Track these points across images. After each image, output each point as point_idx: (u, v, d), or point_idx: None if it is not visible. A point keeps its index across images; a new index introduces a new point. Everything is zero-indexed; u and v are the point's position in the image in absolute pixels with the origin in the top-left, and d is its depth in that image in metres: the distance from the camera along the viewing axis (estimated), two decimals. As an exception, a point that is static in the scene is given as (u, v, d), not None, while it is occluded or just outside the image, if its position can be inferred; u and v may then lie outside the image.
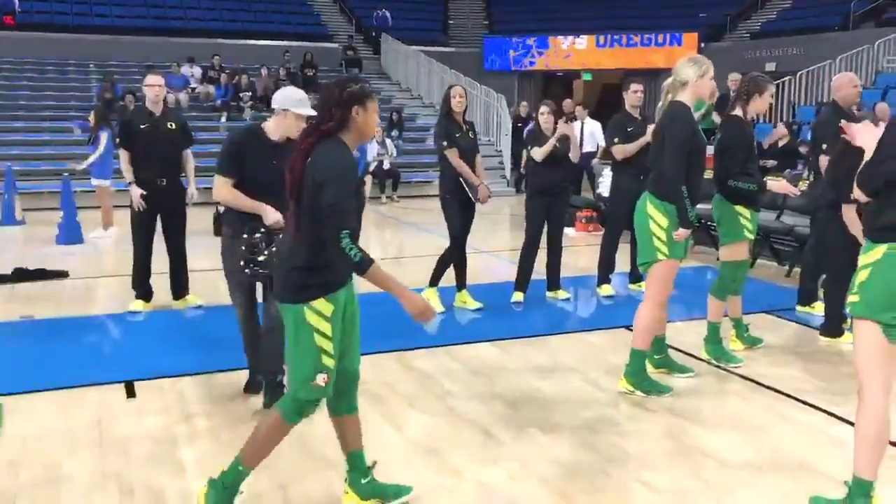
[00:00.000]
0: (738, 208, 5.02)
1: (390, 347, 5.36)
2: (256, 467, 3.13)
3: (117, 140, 6.22)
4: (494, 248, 9.26)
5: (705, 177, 4.69)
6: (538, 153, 6.45)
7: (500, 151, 16.52)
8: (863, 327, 3.01)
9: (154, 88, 6.11)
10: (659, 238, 4.41)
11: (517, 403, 4.48)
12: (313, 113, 4.16)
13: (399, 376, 4.90)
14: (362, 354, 4.88)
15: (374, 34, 22.79)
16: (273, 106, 4.22)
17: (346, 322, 3.11)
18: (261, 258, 4.10)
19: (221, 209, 4.57)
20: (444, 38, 24.05)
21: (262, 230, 4.13)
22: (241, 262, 4.14)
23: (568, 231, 10.49)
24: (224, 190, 4.24)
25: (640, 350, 4.58)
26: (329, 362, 3.00)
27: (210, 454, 3.77)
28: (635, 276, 7.07)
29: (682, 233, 4.40)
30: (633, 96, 6.67)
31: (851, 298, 3.05)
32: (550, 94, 22.36)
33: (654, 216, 4.41)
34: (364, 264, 2.82)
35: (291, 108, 4.13)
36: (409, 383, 4.78)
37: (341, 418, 3.25)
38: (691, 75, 4.38)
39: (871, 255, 2.98)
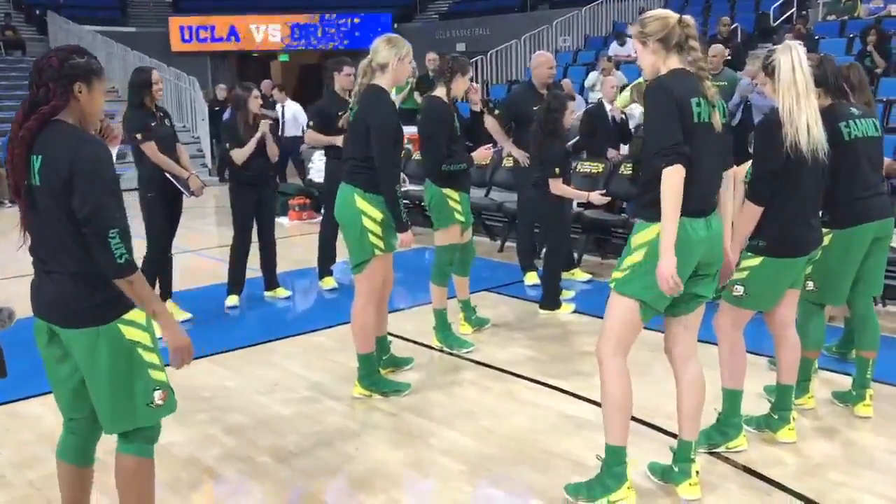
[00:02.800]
0: (447, 191, 4.86)
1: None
2: None
3: None
4: (200, 245, 8.47)
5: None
6: (239, 155, 5.87)
7: (198, 138, 15.42)
8: (624, 304, 2.96)
9: None
10: (374, 233, 4.06)
11: (243, 429, 3.94)
12: None
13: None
14: (39, 395, 4.09)
15: (37, 12, 20.14)
16: None
17: None
18: None
19: None
20: (122, 18, 21.97)
21: None
22: None
23: (282, 221, 9.98)
24: None
25: (365, 353, 4.26)
26: (161, 375, 2.58)
27: None
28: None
29: (406, 238, 4.14)
30: (345, 79, 6.28)
31: (618, 275, 2.97)
32: (246, 75, 21.42)
33: (366, 210, 4.04)
34: (131, 267, 2.43)
35: None
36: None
37: (83, 469, 2.74)
38: (391, 58, 4.03)
39: (644, 235, 2.90)
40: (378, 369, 4.40)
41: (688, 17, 2.95)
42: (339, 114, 6.07)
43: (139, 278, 2.46)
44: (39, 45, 19.38)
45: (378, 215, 4.06)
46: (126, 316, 2.49)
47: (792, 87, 3.22)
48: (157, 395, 2.56)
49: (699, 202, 2.89)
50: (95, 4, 21.66)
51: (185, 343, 2.60)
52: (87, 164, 2.38)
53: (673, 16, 2.94)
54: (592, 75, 11.47)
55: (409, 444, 3.75)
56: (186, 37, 21.59)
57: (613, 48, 12.91)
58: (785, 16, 13.58)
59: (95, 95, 2.52)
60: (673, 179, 2.76)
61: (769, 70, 3.33)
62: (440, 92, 4.89)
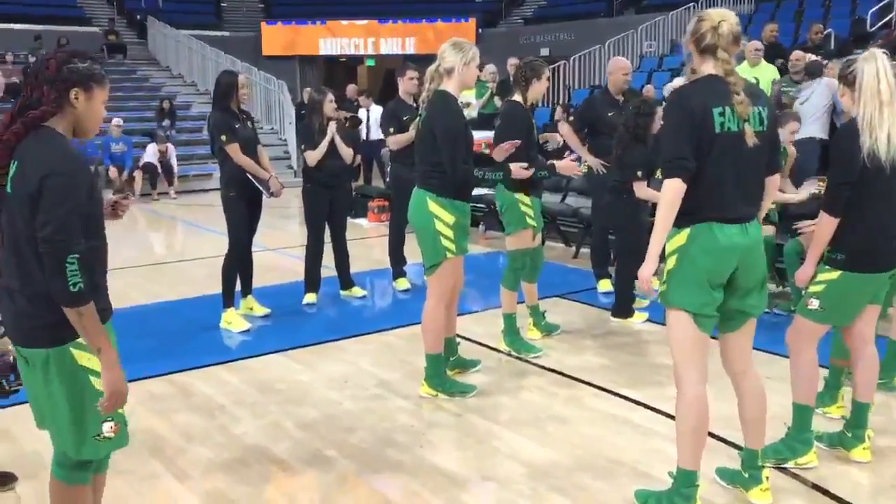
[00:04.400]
0: (519, 196, 4.90)
1: (163, 370, 4.73)
2: None
3: None
4: (282, 244, 8.72)
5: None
6: (311, 157, 6.04)
7: (285, 140, 15.85)
8: (674, 317, 2.94)
9: None
10: (446, 236, 4.12)
11: (313, 423, 4.05)
12: None
13: (175, 404, 4.30)
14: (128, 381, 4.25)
15: (138, 17, 21.10)
16: None
17: None
18: None
19: None
20: (217, 22, 22.78)
21: None
22: None
23: (361, 222, 10.18)
24: None
25: (434, 354, 4.32)
26: None
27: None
28: None
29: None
30: (409, 83, 6.39)
31: (661, 288, 2.96)
32: (333, 79, 21.89)
33: (438, 214, 4.10)
34: (83, 298, 2.25)
35: None
36: (187, 412, 4.20)
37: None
38: (457, 63, 4.09)
39: (675, 242, 2.90)
40: (445, 370, 4.46)
41: (726, 24, 2.83)
42: (405, 118, 6.17)
43: (90, 311, 2.28)
44: (139, 48, 20.31)
45: (450, 219, 4.12)
46: (81, 340, 2.34)
47: (875, 96, 3.12)
48: (108, 426, 2.42)
49: (725, 209, 2.85)
50: (192, 10, 22.54)
51: (124, 391, 2.38)
52: (58, 181, 2.22)
53: (713, 19, 2.85)
54: (677, 80, 11.24)
55: (473, 445, 3.79)
56: (276, 41, 22.21)
57: (700, 54, 12.63)
58: (883, 21, 13.02)
59: (94, 104, 2.39)
60: (667, 191, 2.81)
61: (849, 80, 3.24)
62: (518, 97, 4.93)
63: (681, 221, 2.87)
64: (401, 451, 3.72)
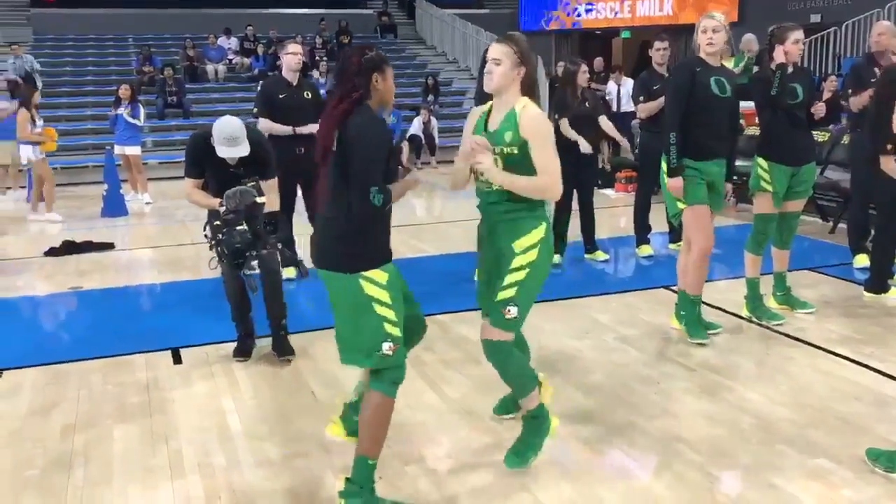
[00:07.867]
0: (759, 160, 5.00)
1: (427, 311, 5.37)
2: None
3: (255, 110, 6.27)
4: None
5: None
6: (565, 127, 6.41)
7: (536, 113, 16.35)
8: None
9: (296, 56, 6.16)
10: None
11: (554, 364, 4.49)
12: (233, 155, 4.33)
13: (437, 339, 4.94)
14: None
15: (408, -1, 22.64)
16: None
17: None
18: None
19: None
20: (478, 1, 23.75)
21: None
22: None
23: (608, 192, 10.44)
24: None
25: (688, 294, 4.75)
26: (394, 330, 2.95)
27: (254, 419, 3.88)
28: (676, 235, 6.99)
29: (670, 183, 4.58)
30: (656, 54, 6.57)
31: None
32: (588, 53, 21.99)
33: (664, 169, 4.63)
34: (387, 197, 2.87)
35: (216, 144, 4.30)
36: (447, 346, 4.82)
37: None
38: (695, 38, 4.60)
39: None
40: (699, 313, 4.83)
41: None
42: (655, 88, 6.39)
43: (397, 193, 2.97)
44: (407, 27, 21.78)
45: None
46: (368, 273, 2.89)
47: None
48: (387, 346, 2.92)
49: None
50: (456, -10, 23.67)
51: (412, 182, 3.16)
52: (369, 137, 2.83)
53: None
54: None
55: (705, 396, 4.00)
56: (533, 16, 22.72)
57: None
58: None
59: (388, 82, 2.97)
60: None
61: None
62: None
63: None
64: (632, 393, 4.05)
